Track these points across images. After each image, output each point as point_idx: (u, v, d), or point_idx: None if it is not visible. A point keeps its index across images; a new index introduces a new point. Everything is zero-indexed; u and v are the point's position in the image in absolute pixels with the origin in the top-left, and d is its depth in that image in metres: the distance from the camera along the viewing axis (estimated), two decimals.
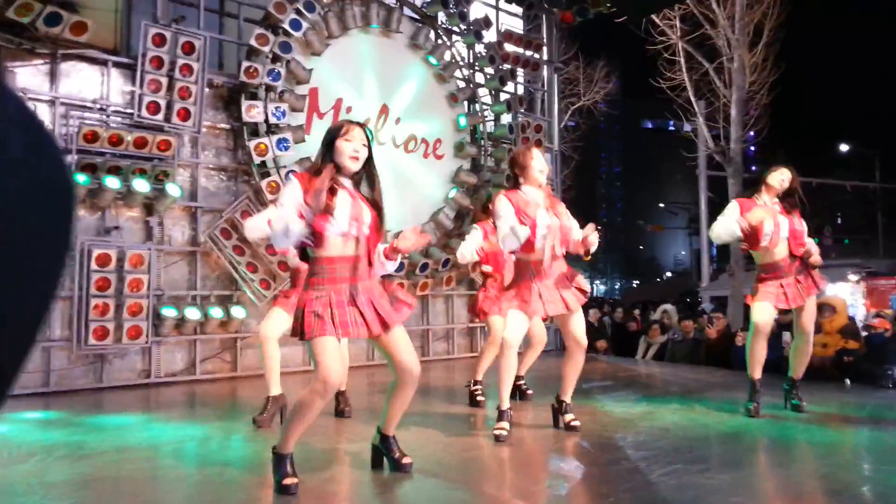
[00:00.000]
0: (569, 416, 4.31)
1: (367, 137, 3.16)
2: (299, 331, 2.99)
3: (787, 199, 5.00)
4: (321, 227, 2.98)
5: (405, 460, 3.28)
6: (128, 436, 4.31)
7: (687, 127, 15.30)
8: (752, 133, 14.57)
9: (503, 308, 4.27)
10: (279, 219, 2.96)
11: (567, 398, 4.36)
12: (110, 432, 4.44)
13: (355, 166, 3.12)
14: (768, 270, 4.96)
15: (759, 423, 4.63)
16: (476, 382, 5.39)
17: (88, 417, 4.99)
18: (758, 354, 4.92)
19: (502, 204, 4.09)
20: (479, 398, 5.29)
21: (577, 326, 4.21)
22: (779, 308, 4.95)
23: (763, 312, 4.84)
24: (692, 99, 14.06)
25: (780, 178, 4.99)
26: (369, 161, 3.18)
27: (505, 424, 4.07)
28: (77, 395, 5.83)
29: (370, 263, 3.12)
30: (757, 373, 4.92)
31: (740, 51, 13.02)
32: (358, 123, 3.20)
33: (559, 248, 4.11)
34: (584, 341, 4.24)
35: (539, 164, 4.20)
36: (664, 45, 13.77)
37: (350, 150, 3.09)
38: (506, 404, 4.14)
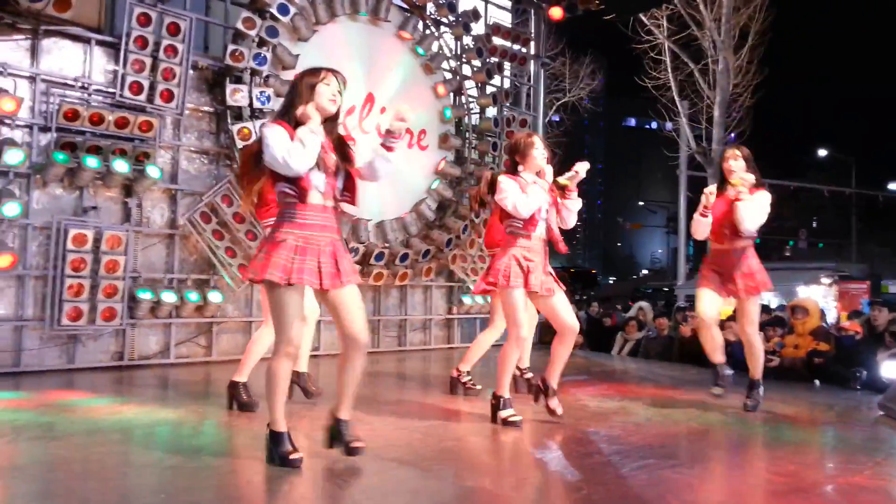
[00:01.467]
0: (554, 402, 4.31)
1: (340, 85, 3.22)
2: (255, 270, 3.04)
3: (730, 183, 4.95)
4: (306, 174, 3.05)
5: (355, 444, 3.14)
6: (99, 418, 4.27)
7: (669, 126, 15.42)
8: (733, 135, 14.71)
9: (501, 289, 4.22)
10: (297, 141, 3.00)
11: (553, 382, 4.34)
12: (81, 414, 4.41)
13: (333, 108, 3.18)
14: (712, 257, 5.07)
15: (729, 421, 4.70)
16: (465, 372, 5.40)
17: (59, 399, 4.95)
18: (708, 344, 5.00)
19: (507, 181, 4.17)
20: (475, 387, 5.35)
21: (566, 308, 4.26)
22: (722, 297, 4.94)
23: (703, 302, 4.89)
24: (676, 99, 14.16)
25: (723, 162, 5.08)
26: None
27: (512, 410, 4.16)
28: (48, 376, 5.77)
29: (339, 214, 3.21)
30: (716, 357, 5.03)
31: (726, 53, 13.14)
32: (333, 71, 3.25)
33: (545, 232, 4.24)
34: (577, 323, 4.28)
35: (540, 149, 4.24)
36: (650, 45, 13.87)
37: (329, 94, 3.16)
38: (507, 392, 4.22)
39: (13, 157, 5.65)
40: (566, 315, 4.25)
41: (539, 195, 4.17)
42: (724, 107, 13.37)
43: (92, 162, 5.93)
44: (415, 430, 4.09)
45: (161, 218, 6.69)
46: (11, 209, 5.59)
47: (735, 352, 7.39)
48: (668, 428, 4.40)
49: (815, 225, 37.36)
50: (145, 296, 6.27)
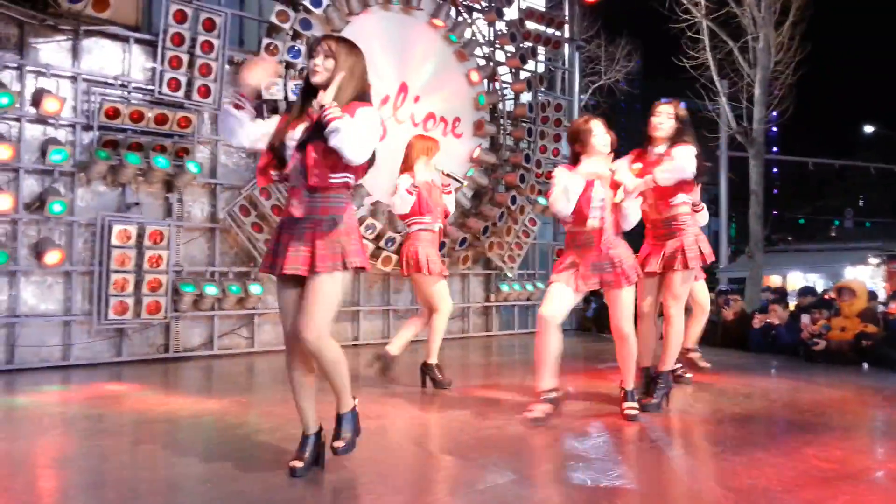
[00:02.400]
0: (627, 405, 4.10)
1: (331, 48, 2.88)
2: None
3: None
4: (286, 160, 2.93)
5: (334, 444, 2.97)
6: (147, 410, 4.37)
7: (710, 107, 15.10)
8: (775, 113, 14.36)
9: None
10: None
11: (627, 385, 4.14)
12: (129, 406, 4.51)
13: (317, 79, 2.87)
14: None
15: (775, 406, 4.63)
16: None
17: (108, 391, 5.07)
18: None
19: (559, 171, 4.04)
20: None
21: (615, 310, 4.06)
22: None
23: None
24: (715, 78, 13.85)
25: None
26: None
27: (634, 403, 4.08)
28: (97, 369, 5.92)
29: (323, 190, 2.87)
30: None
31: (766, 29, 12.80)
32: (325, 36, 3.03)
33: (611, 223, 4.00)
34: (624, 328, 4.05)
35: (601, 135, 4.02)
36: (688, 24, 13.56)
37: (310, 66, 2.90)
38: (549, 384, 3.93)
39: (57, 155, 5.80)
40: (612, 316, 4.09)
41: (595, 186, 3.95)
42: (765, 85, 13.02)
43: (133, 159, 6.05)
44: (453, 418, 4.10)
45: (201, 212, 6.80)
46: (57, 207, 5.74)
47: (780, 334, 7.28)
48: (712, 414, 4.34)
49: (861, 204, 36.35)
50: (188, 289, 6.39)
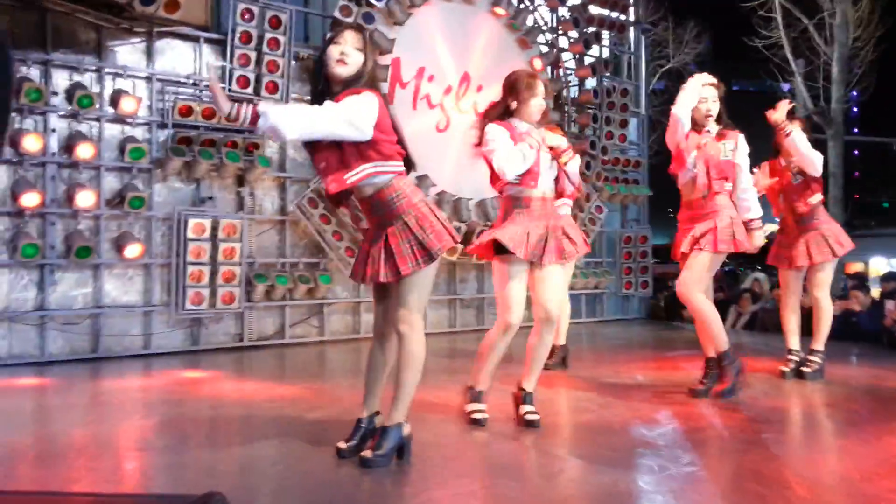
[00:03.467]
0: (526, 408, 3.61)
1: (363, 40, 2.85)
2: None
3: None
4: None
5: (363, 452, 2.91)
6: (223, 396, 4.53)
7: (786, 87, 14.55)
8: (854, 92, 13.73)
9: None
10: None
11: (528, 386, 3.67)
12: (206, 392, 4.69)
13: (342, 70, 2.80)
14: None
15: (856, 394, 4.46)
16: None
17: (186, 378, 5.28)
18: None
19: (493, 129, 3.50)
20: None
21: (542, 289, 3.55)
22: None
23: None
24: (789, 58, 13.32)
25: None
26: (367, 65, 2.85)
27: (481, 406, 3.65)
28: (175, 357, 6.16)
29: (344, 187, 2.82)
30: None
31: (843, 4, 12.24)
32: (350, 25, 2.97)
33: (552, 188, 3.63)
34: (551, 311, 3.56)
35: (540, 99, 3.59)
36: (759, 2, 13.10)
37: (336, 54, 2.80)
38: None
39: (135, 153, 6.05)
40: (538, 297, 3.59)
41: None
42: (843, 63, 12.45)
43: (206, 155, 6.26)
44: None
45: (272, 205, 6.98)
46: (136, 203, 5.99)
47: (862, 321, 7.00)
48: (787, 402, 4.22)
49: None
50: (260, 280, 6.57)
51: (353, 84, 2.83)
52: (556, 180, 3.65)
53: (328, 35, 3.09)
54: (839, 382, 4.85)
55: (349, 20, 7.01)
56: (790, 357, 4.99)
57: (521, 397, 3.64)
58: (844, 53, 12.46)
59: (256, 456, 3.16)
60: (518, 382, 3.69)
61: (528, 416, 3.55)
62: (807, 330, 5.04)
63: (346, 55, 2.80)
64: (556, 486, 2.72)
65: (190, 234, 6.21)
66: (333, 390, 4.61)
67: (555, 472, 2.90)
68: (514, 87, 3.56)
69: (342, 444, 3.02)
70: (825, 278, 4.93)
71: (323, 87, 2.90)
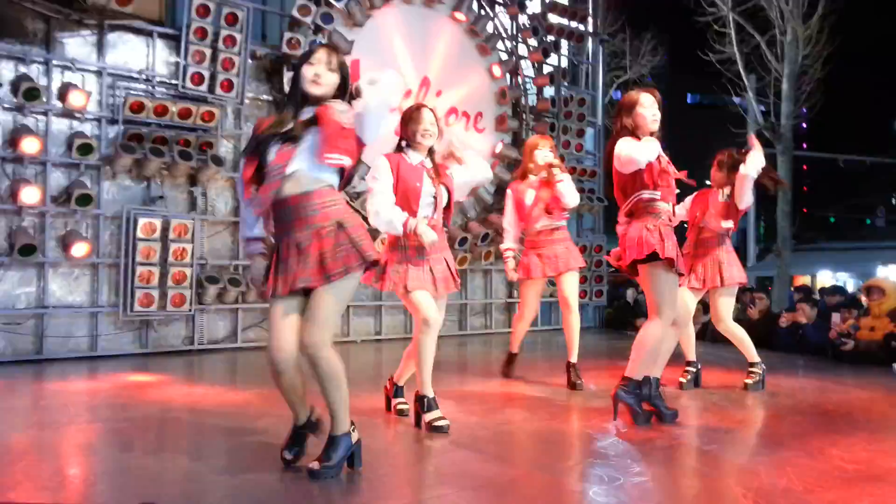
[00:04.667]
0: (431, 415, 3.61)
1: (339, 60, 2.83)
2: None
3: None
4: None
5: (310, 464, 2.82)
6: (170, 400, 4.42)
7: (738, 100, 14.89)
8: (804, 109, 14.12)
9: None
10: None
11: (425, 390, 3.64)
12: (154, 396, 4.56)
13: (316, 91, 2.78)
14: None
15: (800, 407, 4.56)
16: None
17: (133, 382, 5.13)
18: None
19: (379, 164, 3.63)
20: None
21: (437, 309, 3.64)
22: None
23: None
24: (742, 73, 13.65)
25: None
26: (343, 89, 2.85)
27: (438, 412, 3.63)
28: (123, 360, 6.00)
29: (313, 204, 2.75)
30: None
31: (794, 23, 12.59)
32: (324, 45, 2.98)
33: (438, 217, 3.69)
34: (428, 321, 3.55)
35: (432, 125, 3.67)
36: (714, 17, 13.39)
37: (310, 75, 2.78)
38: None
39: (84, 149, 5.87)
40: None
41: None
42: (793, 80, 12.81)
43: (158, 153, 6.11)
44: (472, 412, 4.09)
45: (225, 206, 6.86)
46: (84, 200, 5.81)
47: (808, 333, 7.16)
48: (734, 413, 4.28)
49: (894, 202, 35.64)
50: (212, 282, 6.44)
51: (327, 100, 2.81)
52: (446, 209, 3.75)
53: (303, 52, 3.10)
54: (785, 394, 4.96)
55: (307, 20, 6.95)
56: (688, 369, 5.05)
57: (419, 403, 3.67)
58: (794, 70, 12.82)
59: (203, 464, 3.08)
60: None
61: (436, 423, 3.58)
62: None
63: (320, 76, 2.80)
64: (507, 495, 2.71)
65: (139, 234, 6.07)
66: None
67: (505, 482, 2.89)
68: (402, 121, 3.72)
69: (287, 455, 2.95)
70: (723, 310, 4.90)
71: (300, 97, 2.86)
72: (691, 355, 5.09)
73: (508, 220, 5.02)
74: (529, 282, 4.99)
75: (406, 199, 3.58)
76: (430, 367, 3.64)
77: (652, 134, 3.81)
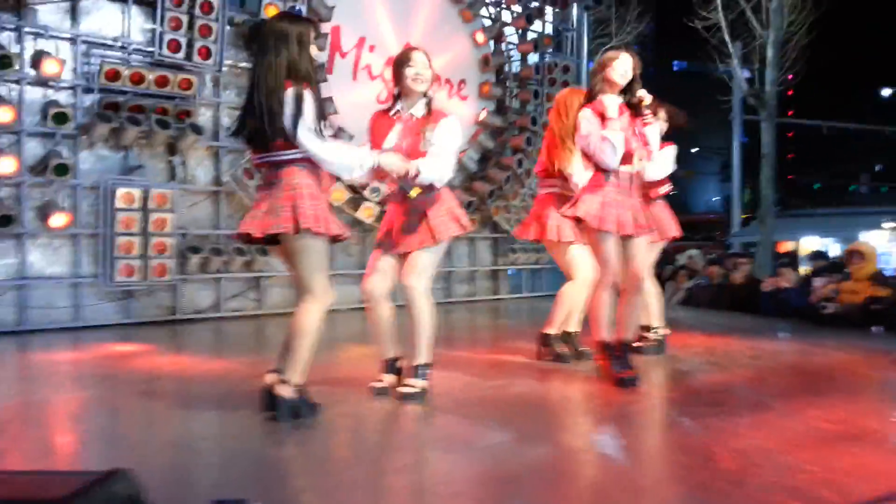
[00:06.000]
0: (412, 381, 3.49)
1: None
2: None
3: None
4: None
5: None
6: (155, 369, 4.40)
7: (721, 69, 14.84)
8: (790, 76, 14.08)
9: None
10: None
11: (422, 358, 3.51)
12: (139, 366, 4.54)
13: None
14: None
15: (781, 369, 4.60)
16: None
17: (117, 352, 5.10)
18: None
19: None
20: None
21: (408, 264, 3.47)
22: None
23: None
24: (727, 40, 13.58)
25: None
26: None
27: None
28: (106, 331, 5.96)
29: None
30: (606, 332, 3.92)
31: None
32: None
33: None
34: (409, 283, 3.43)
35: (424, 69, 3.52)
36: None
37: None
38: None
39: (59, 118, 5.76)
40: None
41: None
42: (777, 47, 12.76)
43: (135, 121, 6.01)
44: (455, 378, 4.09)
45: (205, 175, 6.78)
46: (61, 170, 5.72)
47: (790, 298, 7.22)
48: (716, 376, 4.31)
49: (877, 169, 35.83)
50: (194, 251, 6.39)
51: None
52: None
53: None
54: (767, 357, 5.00)
55: None
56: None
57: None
58: (779, 37, 12.76)
59: (187, 431, 3.08)
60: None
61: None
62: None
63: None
64: (485, 460, 2.72)
65: (119, 204, 5.99)
66: (269, 364, 4.50)
67: (483, 447, 2.90)
68: (394, 66, 3.56)
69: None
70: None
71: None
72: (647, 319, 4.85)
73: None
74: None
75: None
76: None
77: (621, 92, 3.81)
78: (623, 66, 3.80)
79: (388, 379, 3.58)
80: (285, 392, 3.01)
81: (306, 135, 2.93)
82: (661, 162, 4.39)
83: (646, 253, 4.09)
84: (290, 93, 2.93)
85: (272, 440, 2.88)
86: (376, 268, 3.52)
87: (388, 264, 3.51)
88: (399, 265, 3.49)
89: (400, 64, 3.50)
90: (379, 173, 3.36)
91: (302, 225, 2.91)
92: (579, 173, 4.13)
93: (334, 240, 3.08)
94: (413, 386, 3.45)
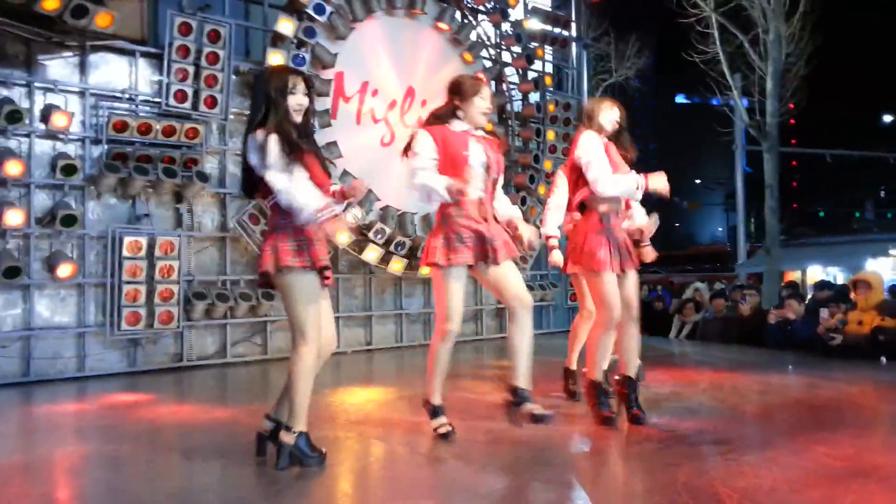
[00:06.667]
0: (529, 406, 3.48)
1: (308, 86, 3.17)
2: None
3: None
4: None
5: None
6: (159, 419, 4.41)
7: (719, 101, 14.97)
8: (791, 105, 14.17)
9: None
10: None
11: (523, 383, 3.54)
12: (142, 416, 4.55)
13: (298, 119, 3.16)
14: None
15: (790, 404, 4.57)
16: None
17: (122, 402, 5.11)
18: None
19: (421, 138, 3.61)
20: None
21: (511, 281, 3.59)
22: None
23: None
24: (726, 72, 13.72)
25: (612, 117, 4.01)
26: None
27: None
28: (111, 380, 5.97)
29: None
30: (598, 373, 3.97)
31: (776, 21, 12.66)
32: (298, 71, 3.30)
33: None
34: (526, 298, 3.59)
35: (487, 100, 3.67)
36: (697, 18, 13.45)
37: (296, 104, 3.14)
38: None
39: (68, 170, 5.86)
40: (510, 288, 3.62)
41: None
42: (777, 78, 12.88)
43: (142, 171, 6.10)
44: (458, 422, 4.08)
45: (212, 222, 6.85)
46: (69, 221, 5.80)
47: (797, 329, 7.19)
48: (723, 413, 4.29)
49: (882, 195, 35.82)
50: (200, 298, 6.43)
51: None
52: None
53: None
54: (774, 391, 4.98)
55: (290, 35, 6.95)
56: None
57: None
58: (778, 69, 12.88)
59: (191, 483, 3.08)
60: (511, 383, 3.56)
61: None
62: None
63: (300, 104, 3.19)
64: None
65: (125, 253, 6.05)
66: None
67: (489, 492, 2.89)
68: (458, 88, 3.64)
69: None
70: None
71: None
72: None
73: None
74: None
75: (454, 168, 3.50)
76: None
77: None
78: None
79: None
80: (287, 439, 3.02)
81: (272, 176, 3.03)
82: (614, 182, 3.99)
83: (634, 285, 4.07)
84: (254, 140, 3.08)
85: (273, 490, 2.88)
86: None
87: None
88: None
89: (471, 92, 3.61)
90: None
91: (280, 263, 2.96)
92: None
93: (322, 275, 3.08)
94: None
